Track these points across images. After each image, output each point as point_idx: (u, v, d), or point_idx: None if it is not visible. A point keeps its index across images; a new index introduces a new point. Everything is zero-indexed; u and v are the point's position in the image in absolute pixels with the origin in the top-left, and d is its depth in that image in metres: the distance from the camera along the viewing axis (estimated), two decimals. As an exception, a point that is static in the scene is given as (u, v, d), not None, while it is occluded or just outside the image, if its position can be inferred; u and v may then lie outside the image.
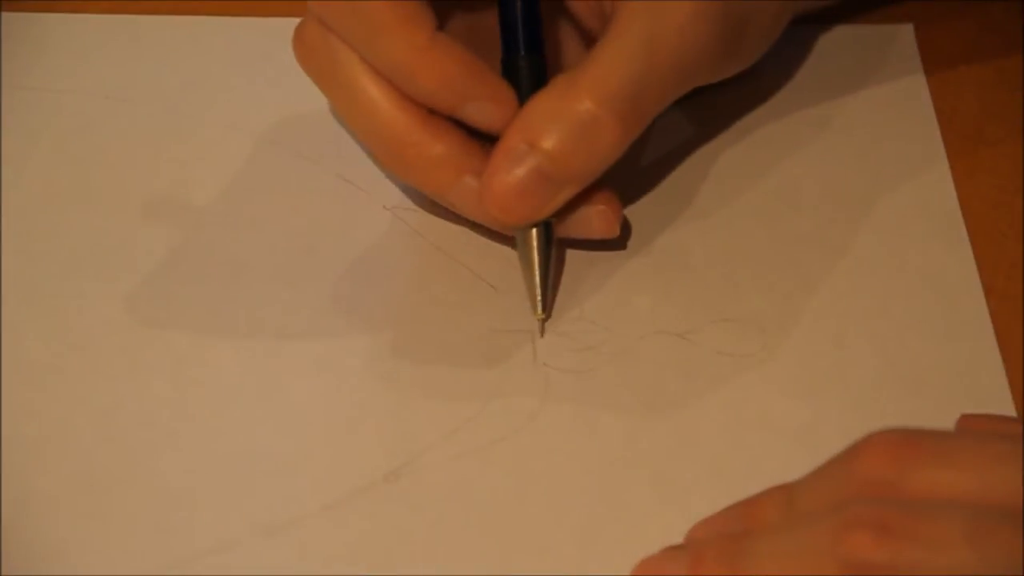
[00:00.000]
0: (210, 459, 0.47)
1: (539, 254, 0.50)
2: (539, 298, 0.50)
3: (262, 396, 0.48)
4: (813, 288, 0.51)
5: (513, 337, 0.50)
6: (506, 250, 0.52)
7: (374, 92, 0.49)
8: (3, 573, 0.44)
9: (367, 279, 0.52)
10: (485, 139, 0.50)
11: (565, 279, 0.51)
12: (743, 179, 0.55)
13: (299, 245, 0.53)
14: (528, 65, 0.50)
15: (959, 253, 0.52)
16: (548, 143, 0.48)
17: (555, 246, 0.50)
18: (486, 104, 0.49)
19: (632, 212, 0.53)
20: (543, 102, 0.49)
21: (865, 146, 0.56)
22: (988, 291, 0.51)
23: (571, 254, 0.52)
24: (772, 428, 0.47)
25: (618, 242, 0.52)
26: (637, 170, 0.55)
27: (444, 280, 0.52)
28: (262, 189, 0.55)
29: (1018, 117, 0.56)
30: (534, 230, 0.50)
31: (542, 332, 0.50)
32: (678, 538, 0.43)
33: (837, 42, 0.59)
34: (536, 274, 0.50)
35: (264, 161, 0.56)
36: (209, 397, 0.48)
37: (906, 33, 0.59)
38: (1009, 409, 0.47)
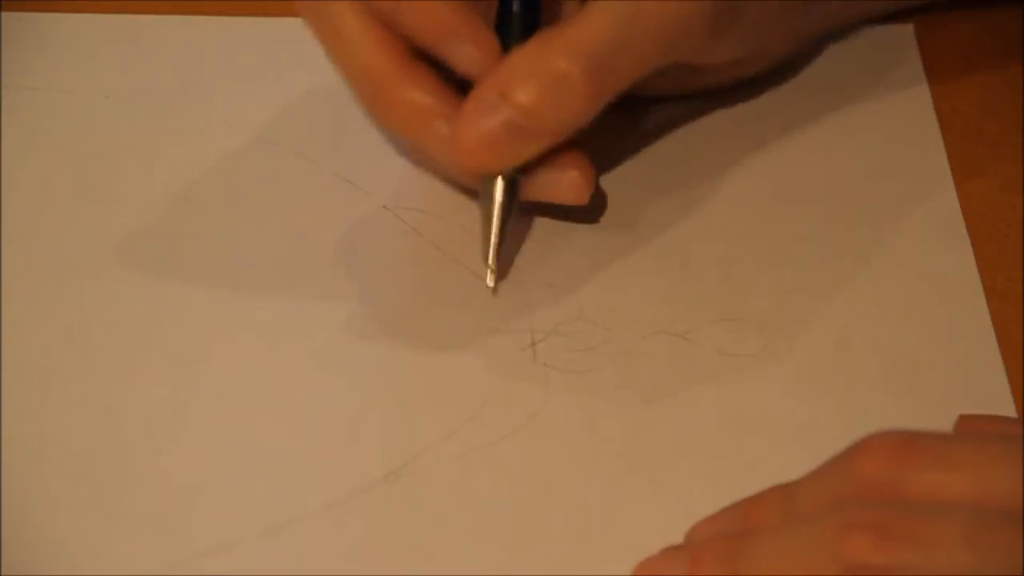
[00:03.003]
0: (210, 459, 0.47)
1: (499, 207, 0.50)
2: (492, 250, 0.50)
3: (262, 396, 0.48)
4: (813, 288, 0.51)
5: (513, 337, 0.50)
6: (507, 251, 0.52)
7: (357, 29, 0.50)
8: (3, 573, 0.44)
9: (366, 279, 0.52)
10: (466, 90, 0.50)
11: (565, 279, 0.51)
12: (743, 179, 0.55)
13: (299, 245, 0.53)
14: (520, 21, 0.50)
15: (959, 253, 0.52)
16: (520, 96, 0.48)
17: (522, 212, 0.51)
18: (468, 48, 0.49)
19: (632, 212, 0.53)
20: (520, 55, 0.49)
21: (865, 146, 0.56)
22: (988, 291, 0.51)
23: (570, 253, 0.52)
24: (772, 428, 0.47)
25: (589, 213, 0.52)
26: (637, 170, 0.55)
27: (444, 280, 0.52)
28: (262, 189, 0.55)
29: (1018, 117, 0.56)
30: (499, 182, 0.50)
31: (493, 287, 0.50)
32: (678, 538, 0.43)
33: (837, 42, 0.59)
34: (493, 225, 0.50)
35: (264, 161, 0.56)
36: (209, 397, 0.48)
37: (906, 33, 0.59)
38: (1009, 409, 0.47)
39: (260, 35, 0.60)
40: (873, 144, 0.56)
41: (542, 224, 0.53)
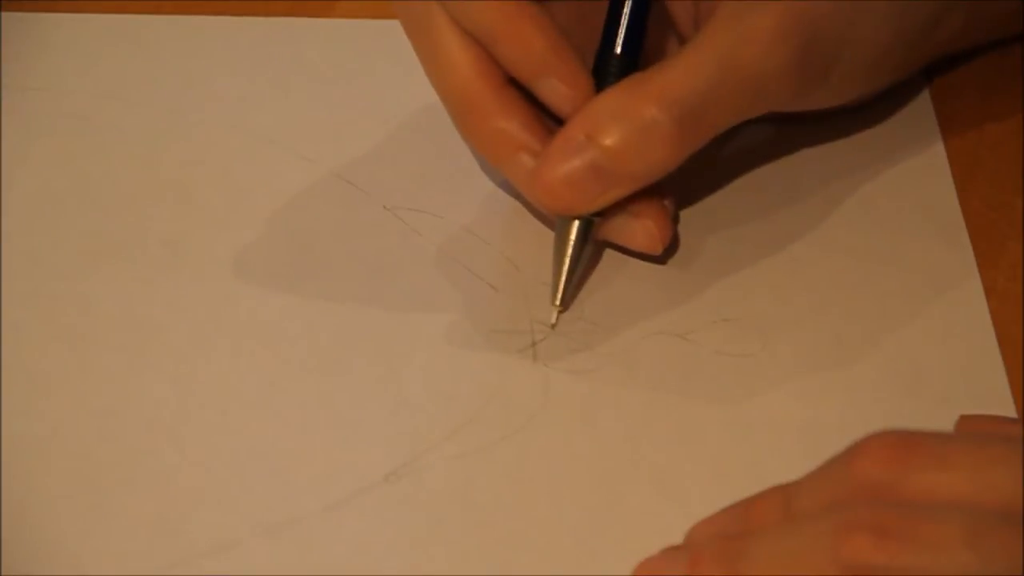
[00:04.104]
0: (210, 459, 0.47)
1: (572, 248, 0.50)
2: (560, 289, 0.50)
3: (262, 396, 0.48)
4: (813, 288, 0.51)
5: (513, 337, 0.50)
6: (506, 251, 0.52)
7: (456, 51, 0.49)
8: (3, 573, 0.44)
9: (367, 279, 0.52)
10: (557, 121, 0.50)
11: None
12: (743, 179, 0.55)
13: (299, 245, 0.53)
14: (618, 64, 0.50)
15: (959, 253, 0.52)
16: (607, 139, 0.48)
17: (593, 246, 0.50)
18: (560, 85, 0.49)
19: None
20: (610, 98, 0.48)
21: (865, 146, 0.56)
22: (988, 291, 0.51)
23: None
24: (772, 428, 0.47)
25: (659, 257, 0.51)
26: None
27: (444, 280, 0.52)
28: (262, 189, 0.55)
29: (1018, 117, 0.56)
30: (575, 223, 0.50)
31: (555, 323, 0.50)
32: (678, 538, 0.43)
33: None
34: (564, 266, 0.50)
35: (264, 161, 0.56)
36: (209, 397, 0.48)
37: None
38: (1009, 409, 0.47)
39: (260, 35, 0.60)
40: (873, 144, 0.56)
41: (542, 225, 0.53)
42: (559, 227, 0.50)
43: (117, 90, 0.58)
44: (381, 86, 0.58)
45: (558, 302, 0.50)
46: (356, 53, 0.59)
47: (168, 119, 0.57)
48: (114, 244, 0.53)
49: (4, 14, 0.60)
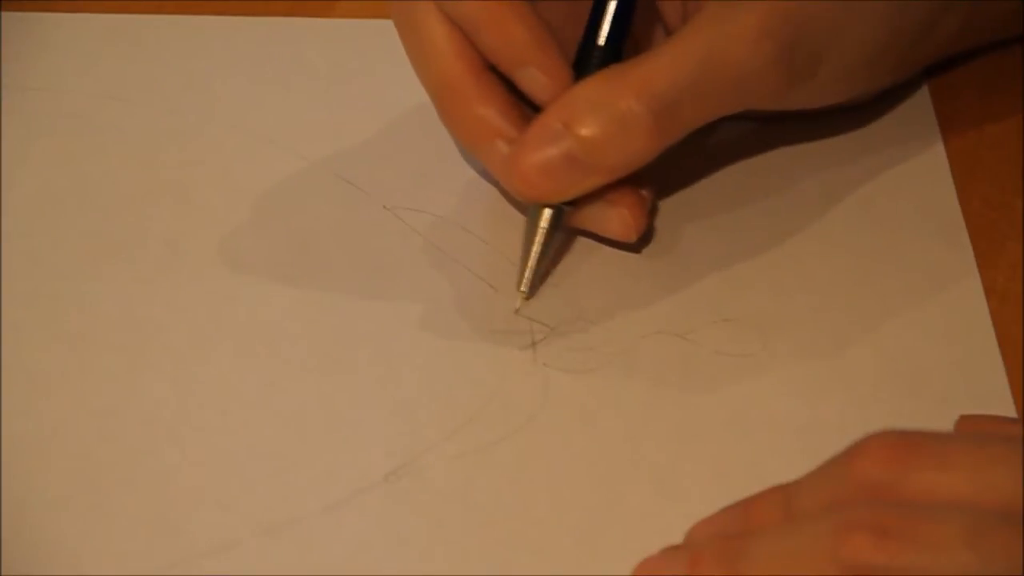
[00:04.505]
0: (210, 459, 0.47)
1: (542, 234, 0.50)
2: (527, 275, 0.50)
3: (262, 396, 0.48)
4: (813, 288, 0.51)
5: (513, 337, 0.50)
6: (506, 250, 0.52)
7: (439, 36, 0.50)
8: (3, 573, 0.44)
9: (367, 279, 0.52)
10: (538, 112, 0.50)
11: (566, 280, 0.51)
12: (743, 179, 0.55)
13: (299, 245, 0.53)
14: (600, 56, 0.50)
15: (959, 253, 0.52)
16: (583, 129, 0.48)
17: (566, 234, 0.51)
18: (539, 74, 0.49)
19: (632, 212, 0.53)
20: (588, 87, 0.49)
21: (865, 146, 0.56)
22: (988, 291, 0.51)
23: (570, 253, 0.52)
24: (772, 428, 0.47)
25: (633, 245, 0.52)
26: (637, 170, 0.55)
27: (444, 280, 0.52)
28: (262, 189, 0.55)
29: (1018, 117, 0.56)
30: (546, 211, 0.50)
31: (518, 308, 0.50)
32: (678, 538, 0.43)
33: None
34: (532, 253, 0.50)
35: (264, 161, 0.56)
36: (209, 397, 0.48)
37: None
38: (1009, 409, 0.47)
39: (260, 35, 0.60)
40: (873, 144, 0.56)
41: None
42: (530, 214, 0.50)
43: (117, 90, 0.58)
44: (380, 86, 0.58)
45: (524, 288, 0.50)
46: (356, 53, 0.59)
47: (168, 119, 0.57)
48: (114, 244, 0.53)
49: (4, 14, 0.60)
